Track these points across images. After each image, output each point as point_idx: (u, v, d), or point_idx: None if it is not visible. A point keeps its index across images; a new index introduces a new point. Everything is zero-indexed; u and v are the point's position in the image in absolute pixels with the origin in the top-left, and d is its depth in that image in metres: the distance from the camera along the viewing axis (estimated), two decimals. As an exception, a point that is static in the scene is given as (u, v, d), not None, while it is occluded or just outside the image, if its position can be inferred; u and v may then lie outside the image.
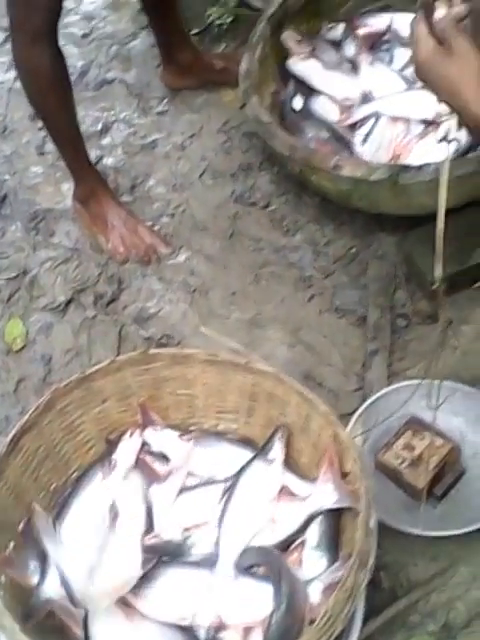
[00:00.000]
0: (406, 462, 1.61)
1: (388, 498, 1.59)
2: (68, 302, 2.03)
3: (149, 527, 1.45)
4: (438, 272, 1.31)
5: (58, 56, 1.88)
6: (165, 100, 2.42)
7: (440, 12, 1.19)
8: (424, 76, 1.22)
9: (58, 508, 1.51)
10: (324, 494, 1.41)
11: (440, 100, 1.24)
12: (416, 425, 1.65)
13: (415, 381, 1.67)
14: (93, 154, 2.18)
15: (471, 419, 1.66)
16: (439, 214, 1.28)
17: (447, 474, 1.61)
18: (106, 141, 2.34)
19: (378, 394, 1.70)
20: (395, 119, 2.05)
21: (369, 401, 1.69)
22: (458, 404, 1.66)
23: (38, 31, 1.80)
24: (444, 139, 1.31)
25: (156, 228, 2.13)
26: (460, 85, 1.19)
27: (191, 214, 2.15)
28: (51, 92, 1.91)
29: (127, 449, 1.55)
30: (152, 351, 1.61)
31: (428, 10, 1.20)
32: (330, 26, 2.30)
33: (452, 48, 1.18)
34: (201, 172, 2.24)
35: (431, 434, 1.61)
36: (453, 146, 1.32)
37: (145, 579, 1.38)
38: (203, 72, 2.41)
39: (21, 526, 1.45)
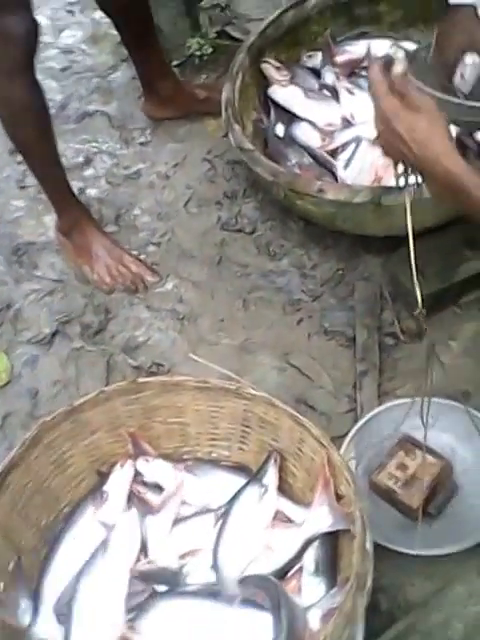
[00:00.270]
0: (400, 482, 1.60)
1: (383, 519, 1.58)
2: (53, 334, 2.01)
3: (144, 557, 1.43)
4: (419, 297, 1.35)
5: (36, 89, 1.87)
6: (147, 131, 2.43)
7: (397, 68, 1.20)
8: (389, 130, 1.22)
9: (49, 545, 1.48)
10: (319, 518, 1.39)
11: (405, 155, 1.24)
12: (408, 444, 1.64)
13: (406, 400, 1.67)
14: (76, 186, 2.17)
15: (461, 435, 1.65)
16: (409, 242, 1.30)
17: (440, 492, 1.61)
18: (89, 172, 2.34)
19: (369, 415, 1.69)
20: (375, 143, 2.05)
21: (361, 422, 1.68)
22: (447, 420, 1.65)
23: (15, 65, 1.79)
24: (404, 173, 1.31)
25: (142, 257, 2.12)
26: (432, 138, 1.19)
27: (177, 242, 2.15)
28: (29, 126, 1.89)
29: (119, 481, 1.52)
30: (141, 380, 1.59)
31: (386, 68, 1.22)
32: (309, 54, 2.32)
33: (417, 104, 1.20)
34: (186, 200, 2.24)
35: (423, 453, 1.60)
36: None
37: (142, 611, 1.35)
38: (185, 102, 2.41)
39: (11, 566, 1.42)
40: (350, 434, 1.65)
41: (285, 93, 2.23)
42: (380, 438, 1.66)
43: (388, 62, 1.22)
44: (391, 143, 1.24)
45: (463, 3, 1.55)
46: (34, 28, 1.78)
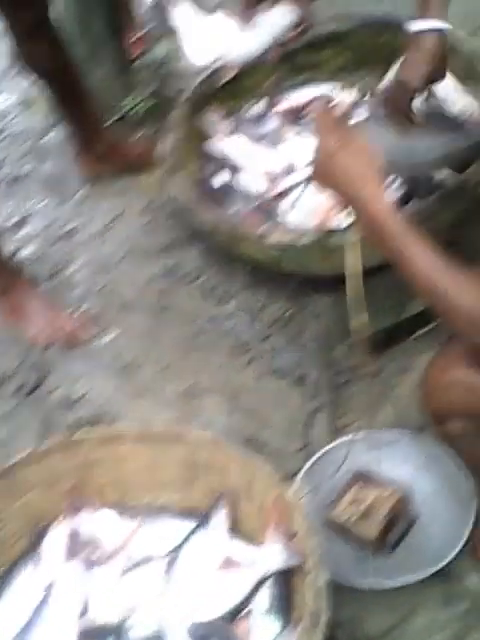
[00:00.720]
0: (354, 517, 1.59)
1: (339, 555, 1.55)
2: (-11, 394, 1.96)
3: (85, 613, 1.37)
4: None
5: None
6: (84, 188, 2.42)
7: (340, 110, 1.25)
8: (327, 170, 1.27)
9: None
10: (272, 556, 1.38)
11: (337, 194, 1.28)
12: (362, 478, 1.64)
13: (357, 435, 1.69)
14: (10, 247, 2.15)
15: (419, 465, 1.64)
16: (348, 284, 1.38)
17: (398, 523, 1.59)
18: (24, 232, 2.32)
19: (322, 451, 1.67)
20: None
21: (313, 459, 1.66)
22: (404, 451, 1.66)
23: None
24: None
25: (81, 311, 2.09)
26: (364, 181, 1.23)
27: (117, 294, 2.13)
28: None
29: (57, 537, 1.48)
30: (78, 434, 1.57)
31: (330, 109, 1.32)
32: (251, 103, 2.33)
33: (355, 146, 1.25)
34: (125, 253, 2.22)
35: (378, 485, 1.61)
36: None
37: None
38: (120, 159, 2.42)
39: None
40: (302, 471, 1.63)
41: (227, 143, 2.24)
42: (333, 475, 1.65)
43: (332, 103, 1.28)
44: (325, 179, 1.29)
45: (427, 28, 1.54)
46: None
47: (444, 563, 1.47)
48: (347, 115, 1.32)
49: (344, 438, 1.69)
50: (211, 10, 1.95)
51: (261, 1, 1.93)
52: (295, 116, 2.28)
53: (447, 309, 1.18)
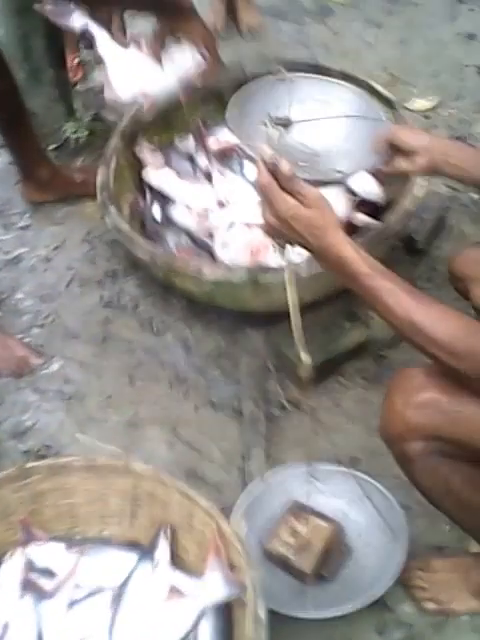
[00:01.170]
0: (292, 548, 1.63)
1: (278, 586, 1.60)
2: None
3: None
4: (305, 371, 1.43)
5: None
6: (27, 215, 2.44)
7: (284, 168, 1.26)
8: (287, 229, 1.28)
9: None
10: (212, 587, 1.41)
11: (300, 245, 1.30)
12: (298, 510, 1.68)
13: (293, 467, 1.73)
14: None
15: (353, 499, 1.69)
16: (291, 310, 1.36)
17: (334, 555, 1.64)
18: None
19: (257, 483, 1.71)
20: (250, 224, 2.10)
21: (248, 489, 1.70)
22: (338, 486, 1.70)
23: None
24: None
25: (27, 340, 2.12)
26: (327, 230, 1.26)
27: (61, 323, 2.16)
28: None
29: (10, 570, 1.50)
30: (28, 465, 1.58)
31: (273, 170, 1.27)
32: (181, 137, 2.36)
33: (309, 200, 1.26)
34: (68, 281, 2.26)
35: (314, 517, 1.65)
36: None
37: None
38: (62, 186, 2.44)
39: None
40: (238, 503, 1.67)
41: (159, 176, 2.28)
42: (270, 506, 1.69)
43: (273, 163, 1.27)
44: (286, 236, 1.30)
45: None
46: None
47: (379, 595, 1.52)
48: (291, 170, 1.32)
49: (279, 470, 1.74)
50: (125, 45, 1.92)
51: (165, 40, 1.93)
52: (224, 154, 2.31)
53: (427, 342, 1.22)
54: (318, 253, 1.28)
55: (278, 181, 1.26)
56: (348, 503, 1.71)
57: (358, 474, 1.70)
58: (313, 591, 1.57)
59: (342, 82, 1.99)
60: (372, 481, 1.68)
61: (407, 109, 2.21)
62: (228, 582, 1.40)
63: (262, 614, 1.30)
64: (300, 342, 1.40)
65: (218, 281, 1.88)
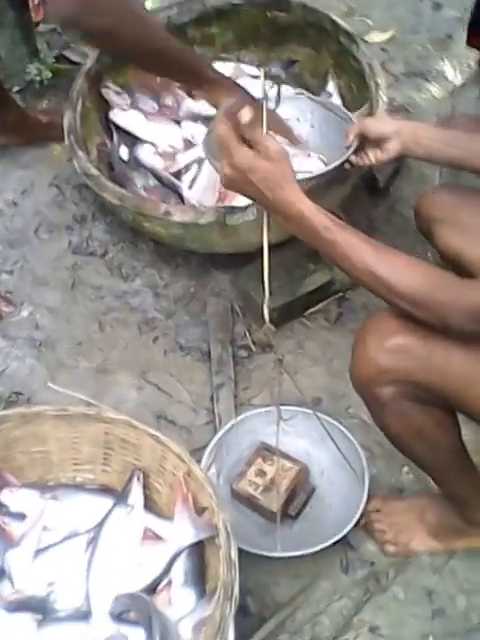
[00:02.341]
0: (259, 488, 1.64)
1: (247, 525, 1.62)
2: None
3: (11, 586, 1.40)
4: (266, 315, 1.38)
5: None
6: (-7, 158, 2.36)
7: (245, 117, 1.23)
8: (243, 178, 1.24)
9: None
10: (182, 531, 1.41)
11: (255, 200, 1.28)
12: (265, 451, 1.68)
13: (261, 409, 1.74)
14: None
15: (315, 439, 1.70)
16: (263, 258, 1.33)
17: (299, 494, 1.65)
18: None
19: (227, 426, 1.71)
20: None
21: (219, 434, 1.70)
22: (301, 426, 1.70)
23: None
24: None
25: (-3, 286, 2.07)
26: (283, 184, 1.23)
27: (30, 269, 2.11)
28: None
29: (-16, 512, 1.49)
30: (0, 413, 1.57)
31: (232, 119, 1.24)
32: (145, 76, 2.30)
33: (268, 152, 1.22)
34: (36, 227, 2.20)
35: (279, 458, 1.64)
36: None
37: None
38: (28, 129, 2.36)
39: None
40: (209, 446, 1.67)
41: (126, 117, 2.22)
42: (238, 447, 1.70)
43: (232, 111, 1.24)
44: (243, 188, 1.27)
45: None
46: None
47: (342, 534, 1.53)
48: (252, 119, 1.27)
49: (247, 412, 1.74)
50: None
51: None
52: (189, 91, 2.24)
53: (389, 294, 1.21)
54: (275, 207, 1.25)
55: (239, 131, 1.23)
56: (311, 443, 1.71)
57: (321, 415, 1.68)
58: (280, 530, 1.57)
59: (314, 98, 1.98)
60: (334, 422, 1.68)
61: (365, 41, 2.15)
62: (197, 526, 1.41)
63: (234, 555, 1.30)
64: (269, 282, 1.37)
65: (186, 223, 1.84)
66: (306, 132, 1.94)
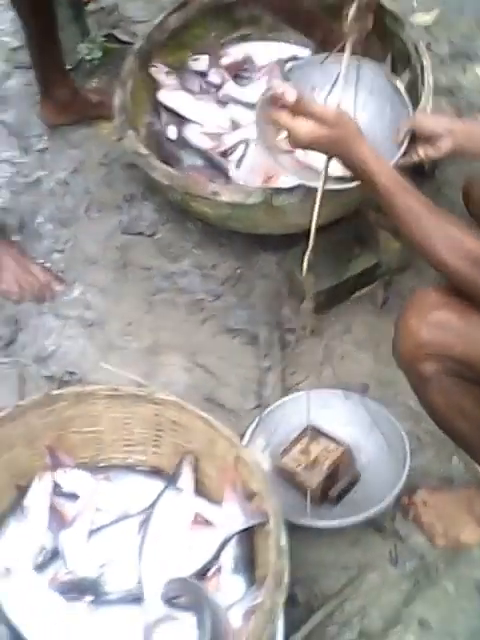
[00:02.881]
0: (302, 465, 1.61)
1: (288, 503, 1.54)
2: (-35, 348, 1.92)
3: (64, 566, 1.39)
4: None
5: None
6: (44, 137, 2.33)
7: (290, 97, 1.20)
8: (315, 150, 1.27)
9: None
10: (231, 518, 1.39)
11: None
12: (312, 432, 1.65)
13: (312, 391, 1.66)
14: None
15: (364, 427, 1.67)
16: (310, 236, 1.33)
17: (342, 477, 1.62)
18: None
19: (271, 406, 1.69)
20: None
21: (265, 412, 1.67)
22: (351, 414, 1.67)
23: None
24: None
25: (48, 265, 2.04)
26: (347, 146, 1.24)
27: (81, 248, 2.08)
28: None
29: (38, 493, 1.47)
30: (54, 392, 1.54)
31: (275, 100, 1.22)
32: (195, 58, 2.27)
33: (326, 119, 1.21)
34: (86, 206, 2.16)
35: (326, 439, 1.63)
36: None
37: (72, 621, 1.31)
38: (80, 108, 2.33)
39: None
40: (254, 423, 1.64)
41: (174, 97, 2.18)
42: (286, 426, 1.67)
43: (273, 96, 1.22)
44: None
45: None
46: None
47: (377, 509, 1.50)
48: (298, 96, 1.21)
49: (298, 393, 1.70)
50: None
51: None
52: (236, 72, 2.24)
53: (437, 263, 1.22)
54: (347, 167, 1.28)
55: (291, 110, 1.22)
56: (361, 432, 1.67)
57: (368, 402, 1.66)
58: (318, 510, 1.56)
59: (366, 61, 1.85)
60: (381, 407, 1.65)
61: (409, 23, 2.07)
62: (246, 512, 1.38)
63: (284, 543, 1.27)
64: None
65: (233, 203, 1.81)
66: (363, 98, 1.80)
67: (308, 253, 1.33)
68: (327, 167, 1.31)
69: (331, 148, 1.25)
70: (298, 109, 1.22)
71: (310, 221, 1.35)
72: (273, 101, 1.23)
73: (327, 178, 1.33)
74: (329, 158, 1.29)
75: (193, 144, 2.11)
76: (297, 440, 1.65)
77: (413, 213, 1.23)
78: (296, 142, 1.25)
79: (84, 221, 2.14)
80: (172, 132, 2.14)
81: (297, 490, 1.61)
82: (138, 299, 1.97)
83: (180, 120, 2.16)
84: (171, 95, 2.18)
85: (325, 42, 1.95)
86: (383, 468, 1.61)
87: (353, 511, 1.54)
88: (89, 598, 1.35)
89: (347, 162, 1.27)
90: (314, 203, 1.33)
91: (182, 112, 2.16)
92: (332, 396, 1.69)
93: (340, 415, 1.67)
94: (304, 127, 1.22)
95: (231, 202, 1.81)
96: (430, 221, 1.23)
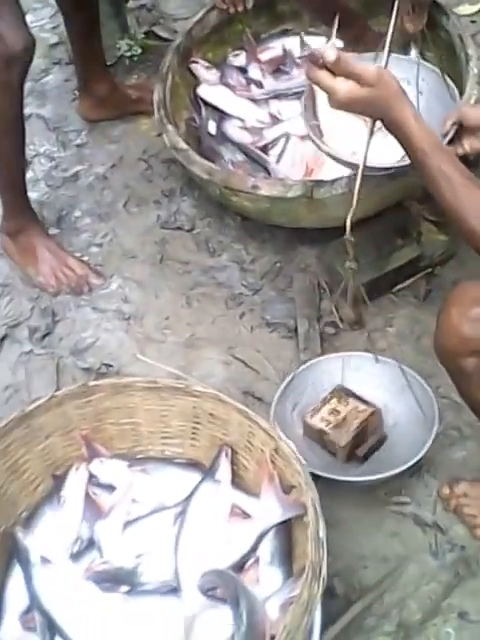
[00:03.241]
0: (331, 424, 1.63)
1: (316, 461, 1.59)
2: (2, 338, 1.94)
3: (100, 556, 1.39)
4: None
5: (21, 103, 1.82)
6: (83, 132, 2.35)
7: (330, 56, 1.19)
8: (354, 111, 1.26)
9: (9, 552, 1.42)
10: (269, 510, 1.38)
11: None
12: (342, 393, 1.68)
13: (341, 353, 1.73)
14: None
15: (393, 391, 1.68)
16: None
17: (370, 437, 1.63)
18: (28, 176, 2.20)
19: (302, 367, 1.70)
20: (304, 137, 2.02)
21: (296, 373, 1.68)
22: (381, 378, 1.68)
23: (11, 83, 1.74)
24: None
25: (86, 258, 2.05)
26: (387, 107, 1.23)
27: (119, 242, 2.09)
28: (10, 135, 1.85)
29: (75, 483, 1.48)
30: (91, 383, 1.55)
31: (315, 60, 1.21)
32: (235, 53, 2.28)
33: (367, 79, 1.20)
34: (125, 201, 2.18)
35: (356, 400, 1.65)
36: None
37: (107, 611, 1.31)
38: (119, 103, 2.35)
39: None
40: (283, 384, 1.66)
41: (214, 92, 2.20)
42: (316, 387, 1.69)
43: (315, 56, 1.21)
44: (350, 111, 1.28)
45: None
46: (32, 43, 1.73)
47: (405, 467, 1.51)
48: (338, 55, 1.20)
49: (329, 355, 1.73)
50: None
51: None
52: (276, 66, 2.24)
53: (469, 233, 1.21)
54: (387, 128, 1.26)
55: (332, 71, 1.20)
56: (389, 395, 1.68)
57: (400, 366, 1.65)
58: (345, 467, 1.58)
59: (421, 61, 1.85)
60: (414, 374, 1.64)
61: (454, 13, 2.06)
62: (284, 505, 1.37)
63: (323, 535, 1.25)
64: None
65: (273, 197, 1.81)
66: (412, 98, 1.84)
67: (351, 213, 1.33)
68: (372, 131, 1.30)
69: (370, 109, 1.24)
70: (338, 68, 1.20)
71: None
72: (313, 61, 1.22)
73: (369, 145, 1.33)
74: (374, 121, 1.28)
75: (233, 139, 2.12)
76: (327, 400, 1.67)
77: (446, 178, 1.22)
78: (335, 102, 1.23)
79: (123, 215, 2.15)
80: (212, 127, 2.15)
81: (325, 449, 1.63)
82: (176, 293, 1.98)
83: (220, 115, 2.17)
84: (211, 90, 2.20)
85: (358, 41, 1.96)
86: (411, 430, 1.62)
87: (378, 471, 1.55)
88: (125, 588, 1.35)
89: (386, 123, 1.25)
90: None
91: (222, 107, 2.17)
92: (363, 360, 1.70)
93: (370, 378, 1.68)
94: (343, 87, 1.21)
95: (271, 196, 1.81)
96: (463, 188, 1.22)
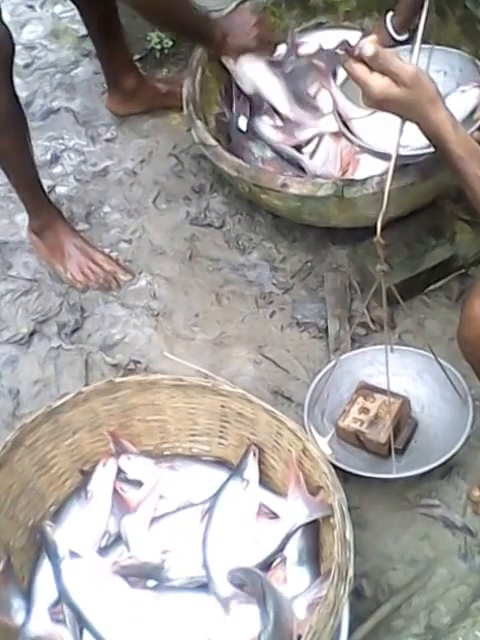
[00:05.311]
0: (365, 423, 1.65)
1: (355, 462, 1.62)
2: (31, 334, 1.99)
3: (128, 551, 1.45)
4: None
5: (13, 96, 1.86)
6: (112, 127, 2.40)
7: (368, 51, 1.20)
8: (387, 110, 1.26)
9: (38, 545, 1.48)
10: (295, 510, 1.42)
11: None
12: (365, 390, 1.70)
13: (356, 351, 1.77)
14: (45, 183, 2.12)
15: (411, 376, 1.71)
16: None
17: (403, 428, 1.67)
18: (57, 170, 2.31)
19: (328, 366, 1.73)
20: (338, 134, 2.00)
21: (318, 377, 1.71)
22: (398, 364, 1.70)
23: None
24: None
25: (114, 254, 2.10)
26: (420, 108, 1.23)
27: (148, 239, 2.14)
28: (7, 132, 1.88)
29: (102, 479, 1.54)
30: (118, 380, 1.60)
31: (352, 54, 1.22)
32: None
33: (403, 79, 1.20)
34: (155, 196, 2.22)
35: (381, 394, 1.67)
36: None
37: (135, 606, 1.37)
38: (148, 97, 2.38)
39: (0, 566, 1.43)
40: (310, 388, 1.69)
41: (253, 68, 2.15)
42: (338, 390, 1.71)
43: (352, 51, 1.22)
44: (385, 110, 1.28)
45: None
46: (7, 33, 1.77)
47: (450, 455, 1.54)
48: (376, 51, 1.21)
49: (344, 355, 1.74)
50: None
51: None
52: (313, 59, 2.21)
53: None
54: (421, 131, 1.27)
55: (370, 66, 1.21)
56: (408, 381, 1.72)
57: (411, 349, 1.71)
58: (389, 463, 1.59)
59: (455, 50, 1.85)
60: (426, 353, 1.67)
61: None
62: (310, 506, 1.41)
63: (349, 536, 1.30)
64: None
65: (303, 195, 1.82)
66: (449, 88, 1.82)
67: (381, 214, 1.33)
68: (402, 130, 1.30)
69: (404, 111, 1.24)
70: (376, 64, 1.21)
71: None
72: (351, 54, 1.22)
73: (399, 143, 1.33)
74: (403, 121, 1.28)
75: (263, 135, 2.12)
76: (353, 400, 1.69)
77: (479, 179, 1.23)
78: (369, 99, 1.24)
79: (152, 211, 2.19)
80: (243, 123, 2.15)
81: (361, 448, 1.66)
82: (205, 290, 2.02)
83: (251, 111, 2.16)
84: (250, 65, 2.15)
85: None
86: (437, 411, 1.67)
87: (421, 457, 1.59)
88: (152, 583, 1.40)
89: (421, 126, 1.26)
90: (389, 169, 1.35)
91: (258, 83, 2.14)
92: (378, 352, 1.72)
93: (390, 368, 1.67)
94: (379, 84, 1.21)
95: (300, 194, 1.82)
96: None
